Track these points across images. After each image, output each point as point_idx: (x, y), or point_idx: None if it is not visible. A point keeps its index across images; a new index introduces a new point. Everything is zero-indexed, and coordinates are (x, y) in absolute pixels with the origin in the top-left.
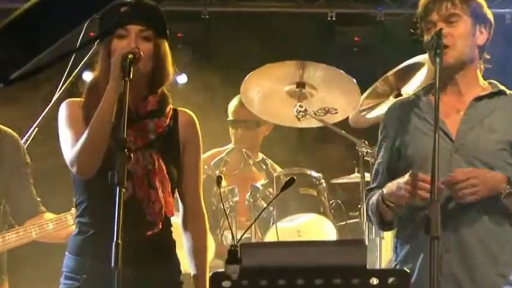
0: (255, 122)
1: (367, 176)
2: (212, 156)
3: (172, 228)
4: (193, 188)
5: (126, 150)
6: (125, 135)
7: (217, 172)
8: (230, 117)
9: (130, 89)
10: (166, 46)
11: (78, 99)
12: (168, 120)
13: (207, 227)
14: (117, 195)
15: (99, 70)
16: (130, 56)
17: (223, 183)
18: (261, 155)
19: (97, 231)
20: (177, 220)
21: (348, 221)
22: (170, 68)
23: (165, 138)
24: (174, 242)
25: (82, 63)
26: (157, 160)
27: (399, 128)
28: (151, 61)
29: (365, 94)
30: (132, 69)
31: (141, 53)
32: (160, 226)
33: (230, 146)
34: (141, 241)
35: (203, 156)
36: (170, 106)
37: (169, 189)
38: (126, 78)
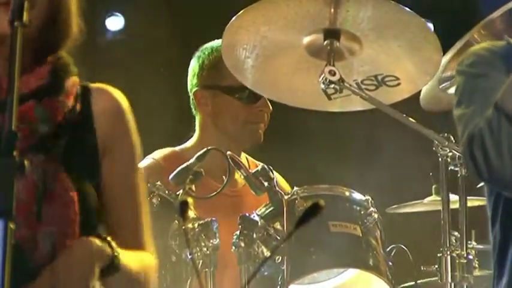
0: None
1: (454, 199)
2: (169, 159)
3: None
4: (128, 221)
5: (14, 153)
6: (12, 127)
7: (178, 193)
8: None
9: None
10: None
11: None
12: (71, 101)
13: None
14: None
15: None
16: None
17: (191, 213)
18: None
19: None
20: None
21: (419, 281)
22: (74, 18)
23: (70, 132)
24: None
25: None
26: (56, 172)
27: None
28: (45, 10)
29: (450, 53)
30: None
31: None
32: None
33: (191, 142)
34: None
35: (147, 162)
36: (74, 79)
37: (77, 225)
38: (16, 23)
